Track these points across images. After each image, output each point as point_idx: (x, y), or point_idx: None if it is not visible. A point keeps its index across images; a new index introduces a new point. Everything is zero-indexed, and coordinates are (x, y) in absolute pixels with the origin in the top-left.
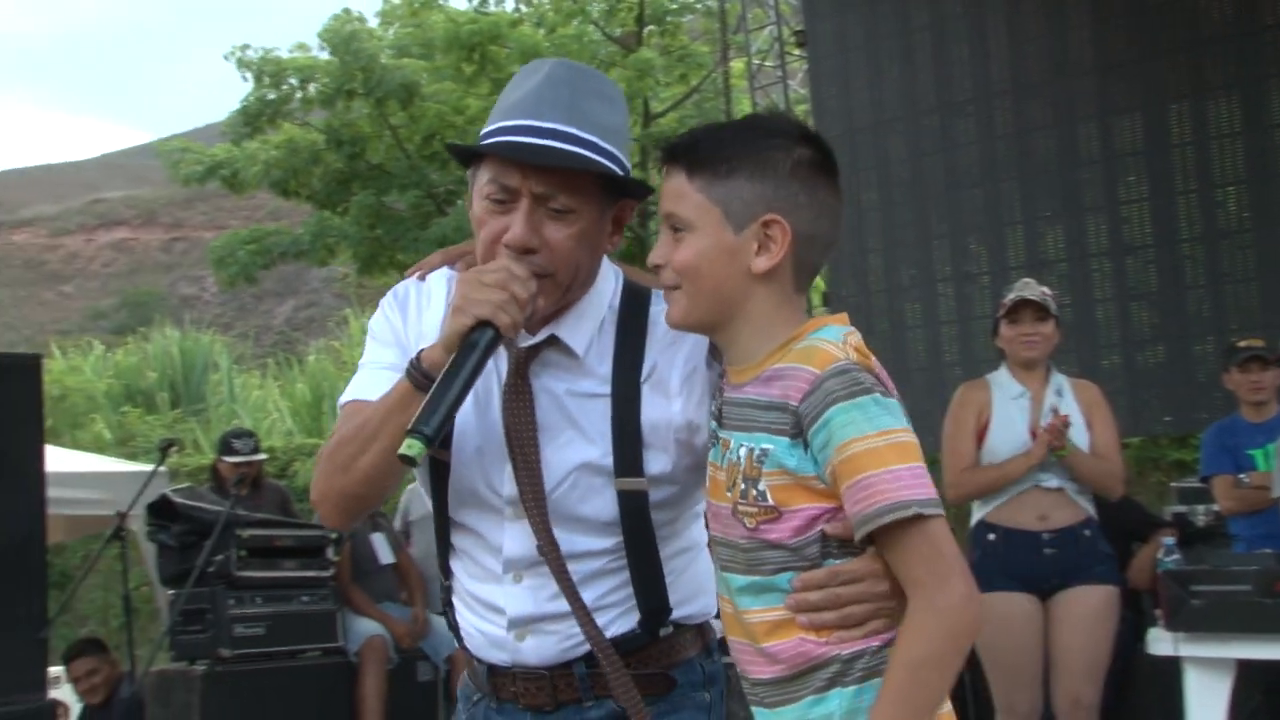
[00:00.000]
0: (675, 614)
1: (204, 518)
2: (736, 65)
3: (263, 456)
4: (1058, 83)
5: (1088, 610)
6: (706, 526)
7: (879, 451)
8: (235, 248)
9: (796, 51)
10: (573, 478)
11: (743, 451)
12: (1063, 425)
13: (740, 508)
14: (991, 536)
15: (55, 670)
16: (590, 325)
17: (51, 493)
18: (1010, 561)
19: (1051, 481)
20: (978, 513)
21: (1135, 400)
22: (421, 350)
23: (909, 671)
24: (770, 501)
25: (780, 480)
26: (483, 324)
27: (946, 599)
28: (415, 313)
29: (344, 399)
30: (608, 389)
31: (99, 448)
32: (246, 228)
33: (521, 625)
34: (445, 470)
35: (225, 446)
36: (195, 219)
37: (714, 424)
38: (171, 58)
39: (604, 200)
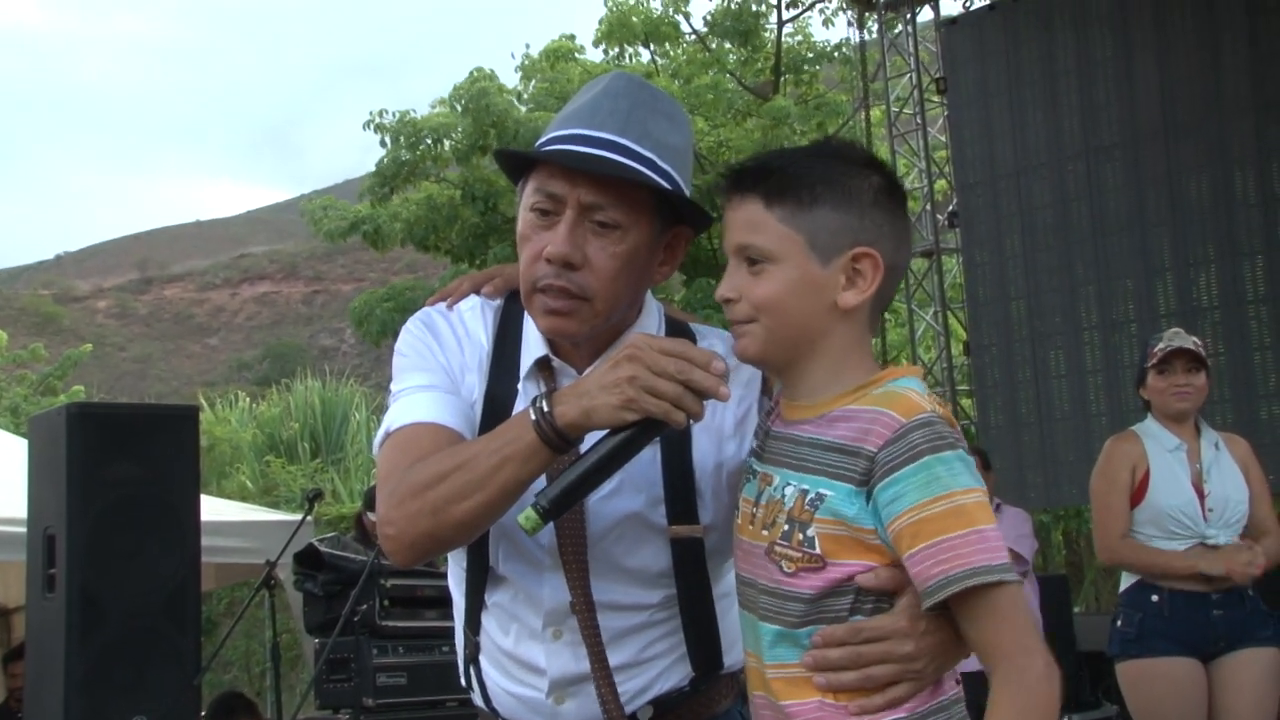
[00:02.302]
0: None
1: (349, 567)
2: (875, 113)
3: None
4: (1211, 124)
5: (1255, 675)
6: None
7: (965, 510)
8: (374, 306)
9: (936, 98)
10: (620, 528)
11: (790, 491)
12: (1256, 570)
13: (779, 549)
14: (1155, 598)
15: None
16: None
17: (203, 541)
18: (1177, 624)
19: (1219, 538)
20: (1135, 573)
21: None
22: (551, 398)
23: None
24: (818, 550)
25: (833, 529)
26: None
27: (1035, 672)
28: (453, 343)
29: (394, 425)
30: None
31: (243, 497)
32: (383, 282)
33: (563, 687)
34: None
35: (371, 501)
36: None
37: (751, 458)
38: (313, 115)
39: (655, 222)
